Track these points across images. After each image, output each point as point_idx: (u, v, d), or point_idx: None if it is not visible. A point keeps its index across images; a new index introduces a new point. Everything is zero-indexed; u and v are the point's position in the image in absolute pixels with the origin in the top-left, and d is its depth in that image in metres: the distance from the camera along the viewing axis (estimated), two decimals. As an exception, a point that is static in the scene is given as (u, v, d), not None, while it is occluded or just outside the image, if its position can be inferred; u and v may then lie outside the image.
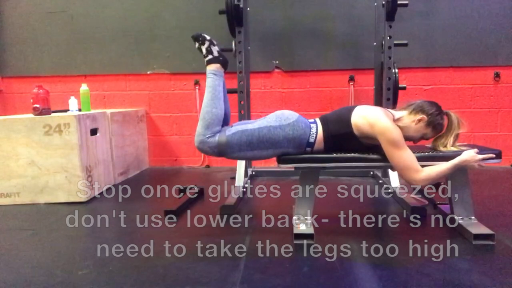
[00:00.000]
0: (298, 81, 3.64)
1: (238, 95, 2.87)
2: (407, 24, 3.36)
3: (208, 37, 2.00)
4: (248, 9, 3.06)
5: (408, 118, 1.90)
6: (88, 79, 3.76)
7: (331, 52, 3.56)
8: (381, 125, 1.78)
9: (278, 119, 1.88)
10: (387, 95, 2.82)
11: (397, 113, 1.93)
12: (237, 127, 1.89)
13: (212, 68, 1.97)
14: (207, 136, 1.86)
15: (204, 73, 2.00)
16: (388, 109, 1.96)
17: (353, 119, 1.85)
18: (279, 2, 3.55)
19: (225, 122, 1.97)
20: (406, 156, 1.76)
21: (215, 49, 1.99)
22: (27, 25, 3.78)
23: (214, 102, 1.91)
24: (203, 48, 1.99)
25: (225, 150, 1.86)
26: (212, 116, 1.88)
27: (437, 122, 1.88)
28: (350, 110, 1.90)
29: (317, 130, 1.90)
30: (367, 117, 1.82)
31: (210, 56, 1.98)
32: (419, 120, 1.87)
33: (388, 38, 2.76)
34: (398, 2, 2.64)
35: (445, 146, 1.91)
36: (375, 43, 3.08)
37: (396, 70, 2.83)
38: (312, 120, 1.95)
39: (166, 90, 3.77)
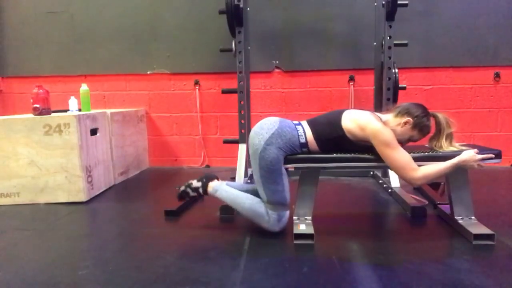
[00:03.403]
0: (298, 81, 3.64)
1: (238, 95, 2.87)
2: (407, 24, 3.36)
3: (182, 188, 2.10)
4: (248, 9, 3.06)
5: (394, 121, 1.90)
6: (88, 79, 3.76)
7: (331, 52, 3.56)
8: (372, 127, 1.78)
9: (260, 137, 1.85)
10: (387, 95, 2.82)
11: (384, 116, 1.94)
12: (259, 189, 1.90)
13: (210, 190, 2.05)
14: (267, 220, 1.90)
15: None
16: (375, 112, 1.96)
17: (343, 123, 1.86)
18: (279, 2, 3.55)
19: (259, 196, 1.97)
20: (400, 155, 1.76)
21: (194, 183, 2.08)
22: (27, 25, 3.78)
23: (238, 204, 1.97)
24: (191, 194, 2.09)
25: (282, 206, 1.89)
26: (249, 211, 1.93)
27: (423, 124, 1.88)
28: (339, 114, 1.90)
29: (304, 131, 1.90)
30: (357, 121, 1.83)
31: (201, 190, 2.07)
32: (405, 123, 1.87)
33: (388, 38, 2.76)
34: (398, 2, 2.64)
35: (441, 147, 1.91)
36: (375, 43, 3.08)
37: (396, 70, 2.83)
38: (296, 122, 1.95)
39: (166, 90, 3.77)
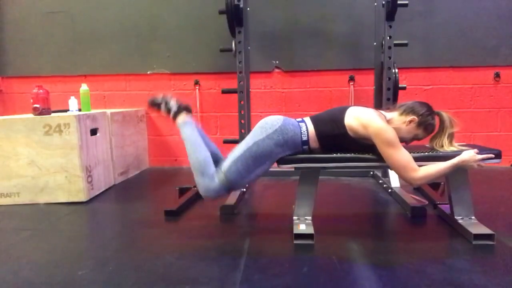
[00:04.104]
0: (298, 81, 3.64)
1: (238, 95, 2.87)
2: (407, 24, 3.36)
3: (159, 98, 2.03)
4: (248, 9, 3.06)
5: (399, 119, 1.90)
6: (88, 79, 3.76)
7: (331, 52, 3.56)
8: (375, 126, 1.78)
9: (263, 130, 1.86)
10: (387, 95, 2.81)
11: (388, 115, 1.93)
12: (229, 159, 1.86)
13: (180, 120, 2.00)
14: (207, 182, 1.84)
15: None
16: (379, 111, 1.96)
17: (346, 120, 1.85)
18: (279, 2, 3.55)
19: (216, 160, 1.94)
20: (402, 155, 1.76)
21: (172, 103, 2.01)
22: (27, 25, 3.78)
23: (196, 149, 1.90)
24: (163, 109, 2.02)
25: (230, 186, 1.84)
26: (201, 163, 1.86)
27: (428, 123, 1.88)
28: (342, 111, 1.89)
29: (307, 129, 1.89)
30: (360, 119, 1.82)
31: (172, 111, 2.01)
32: (410, 121, 1.87)
33: (388, 38, 2.76)
34: (398, 2, 2.64)
35: (442, 146, 1.91)
36: (375, 43, 3.08)
37: (396, 70, 2.83)
38: (300, 119, 1.94)
39: (166, 90, 3.77)
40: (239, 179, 1.83)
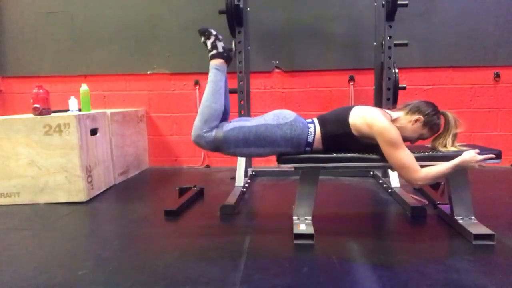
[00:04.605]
0: (298, 81, 3.64)
1: (238, 95, 2.87)
2: (407, 24, 3.36)
3: (214, 32, 1.99)
4: (248, 9, 3.06)
5: (405, 118, 1.89)
6: (88, 79, 3.76)
7: (331, 52, 3.56)
8: (379, 125, 1.77)
9: (276, 117, 1.89)
10: (387, 95, 2.82)
11: (394, 114, 1.93)
12: (235, 123, 1.89)
13: (215, 63, 1.97)
14: (204, 130, 1.87)
15: (204, 73, 2.00)
16: (385, 110, 1.96)
17: (351, 119, 1.85)
18: (279, 2, 3.55)
19: (224, 118, 1.97)
20: (404, 156, 1.76)
21: (220, 45, 1.98)
22: (27, 25, 3.78)
23: (215, 97, 1.91)
24: (208, 43, 1.99)
25: (221, 146, 1.87)
26: (211, 111, 1.89)
27: (433, 123, 1.89)
28: (347, 110, 1.89)
29: (315, 130, 1.89)
30: (365, 117, 1.82)
31: (214, 51, 1.98)
32: (416, 121, 1.87)
33: (388, 38, 2.76)
34: (398, 2, 2.64)
35: (445, 146, 1.91)
36: (375, 43, 3.08)
37: (396, 70, 2.83)
38: (309, 120, 1.95)
39: (166, 90, 3.77)
40: (232, 144, 1.87)
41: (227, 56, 1.99)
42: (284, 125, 1.86)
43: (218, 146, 1.88)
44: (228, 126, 1.88)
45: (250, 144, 1.86)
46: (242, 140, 1.85)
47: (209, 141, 1.87)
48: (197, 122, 1.90)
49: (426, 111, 1.87)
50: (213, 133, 1.87)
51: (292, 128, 1.86)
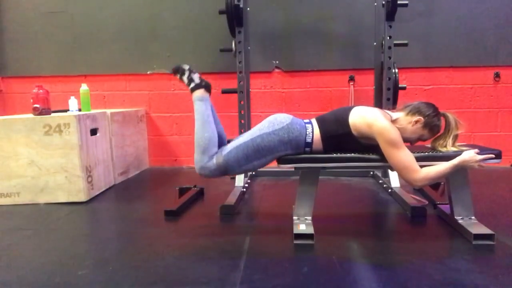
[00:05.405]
0: (298, 81, 3.64)
1: (238, 95, 2.87)
2: (407, 24, 3.36)
3: (186, 67, 2.03)
4: (248, 9, 3.06)
5: (405, 119, 1.89)
6: (88, 79, 3.76)
7: (331, 52, 3.56)
8: (380, 125, 1.77)
9: (270, 124, 1.89)
10: (387, 95, 2.81)
11: (394, 115, 1.93)
12: (232, 144, 1.90)
13: (197, 94, 2.00)
14: (205, 161, 1.89)
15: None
16: (385, 110, 1.96)
17: (351, 119, 1.85)
18: (279, 2, 3.55)
19: (221, 143, 1.98)
20: (404, 156, 1.76)
21: (195, 76, 2.02)
22: (27, 25, 3.78)
23: (205, 127, 1.94)
24: (184, 78, 2.03)
25: (226, 169, 1.88)
26: (205, 141, 1.91)
27: (434, 124, 1.88)
28: (347, 110, 1.89)
29: (313, 130, 1.90)
30: (366, 118, 1.82)
31: (192, 84, 2.01)
32: (416, 122, 1.87)
33: (388, 38, 2.76)
34: (398, 2, 2.64)
35: (445, 147, 1.91)
36: (375, 43, 3.08)
37: (396, 70, 2.83)
38: (307, 121, 1.95)
39: (166, 90, 3.77)
40: (236, 165, 1.87)
41: (205, 85, 2.02)
42: (280, 130, 1.86)
43: (223, 170, 1.88)
44: (226, 149, 1.89)
45: (252, 159, 1.87)
46: (242, 157, 1.86)
47: (213, 170, 1.88)
48: (196, 155, 1.92)
49: (426, 113, 1.87)
50: (214, 160, 1.88)
51: (289, 131, 1.86)
